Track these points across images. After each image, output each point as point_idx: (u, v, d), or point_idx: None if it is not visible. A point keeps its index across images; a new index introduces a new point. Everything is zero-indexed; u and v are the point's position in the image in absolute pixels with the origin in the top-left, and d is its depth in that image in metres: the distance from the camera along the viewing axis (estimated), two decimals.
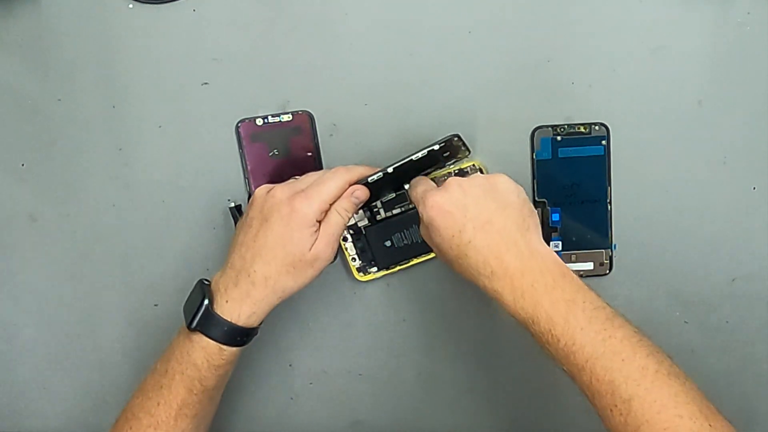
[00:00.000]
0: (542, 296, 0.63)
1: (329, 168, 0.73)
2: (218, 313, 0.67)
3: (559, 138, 0.76)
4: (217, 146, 0.77)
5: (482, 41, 0.75)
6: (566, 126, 0.76)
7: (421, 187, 0.70)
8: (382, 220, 0.78)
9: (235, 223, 0.76)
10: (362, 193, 0.71)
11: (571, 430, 0.81)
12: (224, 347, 0.68)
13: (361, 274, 0.78)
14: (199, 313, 0.67)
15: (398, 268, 0.78)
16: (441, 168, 0.76)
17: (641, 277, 0.78)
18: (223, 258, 0.73)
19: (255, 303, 0.68)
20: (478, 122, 0.76)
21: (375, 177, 0.70)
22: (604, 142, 0.76)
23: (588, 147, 0.76)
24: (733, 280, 0.78)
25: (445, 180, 0.68)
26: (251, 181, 0.77)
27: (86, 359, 0.81)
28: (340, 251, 0.78)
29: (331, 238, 0.69)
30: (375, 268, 0.78)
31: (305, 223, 0.68)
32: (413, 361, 0.81)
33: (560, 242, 0.78)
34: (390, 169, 0.70)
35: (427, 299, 0.80)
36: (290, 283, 0.69)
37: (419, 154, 0.70)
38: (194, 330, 0.67)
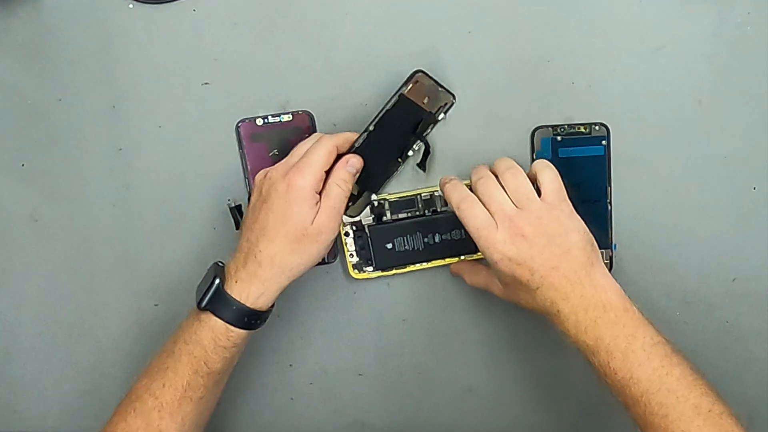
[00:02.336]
0: (604, 331, 0.65)
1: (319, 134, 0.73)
2: (228, 292, 0.68)
3: (559, 138, 0.76)
4: (217, 146, 0.77)
5: (482, 41, 0.75)
6: (566, 126, 0.76)
7: (478, 219, 0.68)
8: (387, 222, 0.78)
9: (235, 223, 0.77)
10: (357, 161, 0.71)
11: (570, 430, 0.81)
12: (232, 328, 0.68)
13: (356, 271, 0.78)
14: (210, 292, 0.68)
15: (394, 272, 0.78)
16: (435, 123, 0.75)
17: (641, 277, 0.78)
18: (222, 258, 0.74)
19: (263, 283, 0.68)
20: (478, 122, 0.76)
21: (360, 140, 0.72)
22: (604, 142, 0.76)
23: (588, 147, 0.76)
24: (733, 280, 0.78)
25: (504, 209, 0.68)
26: (251, 181, 0.77)
27: (86, 359, 0.81)
28: (339, 245, 0.78)
29: (333, 211, 0.69)
30: (371, 268, 0.78)
31: (302, 196, 0.68)
32: (413, 361, 0.81)
33: None
34: (371, 127, 0.72)
35: (427, 299, 0.79)
36: (296, 259, 0.69)
37: (392, 102, 0.72)
38: (204, 309, 0.68)
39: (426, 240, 0.77)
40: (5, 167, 0.78)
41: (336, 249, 0.79)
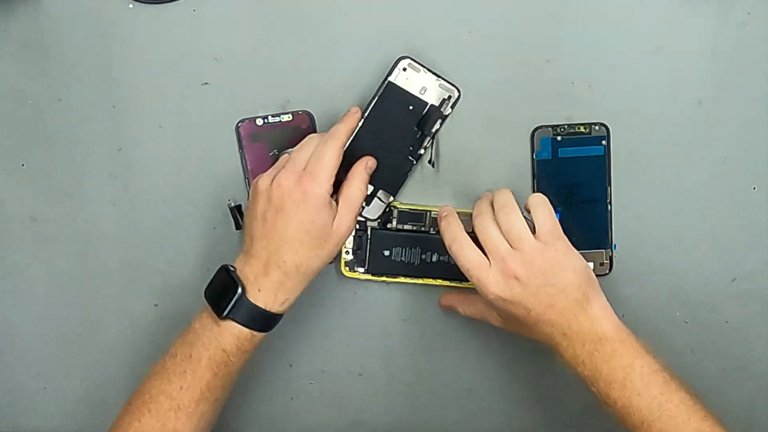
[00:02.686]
0: (601, 364, 0.66)
1: (316, 134, 0.73)
2: (251, 300, 0.68)
3: (559, 138, 0.76)
4: (217, 146, 0.77)
5: (482, 41, 0.75)
6: (566, 126, 0.76)
7: (469, 260, 0.69)
8: (391, 229, 0.78)
9: (235, 223, 0.76)
10: (373, 162, 0.73)
11: (570, 430, 0.81)
12: (256, 333, 0.69)
13: (347, 269, 0.78)
14: (232, 302, 0.68)
15: (384, 279, 0.78)
16: (442, 119, 0.75)
17: (641, 277, 0.78)
18: (222, 258, 0.74)
19: (289, 291, 0.69)
20: (478, 122, 0.76)
21: (354, 136, 0.73)
22: (604, 142, 0.76)
23: (588, 147, 0.76)
24: (733, 280, 0.78)
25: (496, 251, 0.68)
26: (251, 181, 0.77)
27: (86, 359, 0.81)
28: None
29: (352, 212, 0.70)
30: (362, 269, 0.78)
31: (321, 203, 0.68)
32: (413, 361, 0.81)
33: None
34: (364, 116, 0.73)
35: (427, 299, 0.79)
36: (319, 263, 0.70)
37: (380, 90, 0.73)
38: (226, 318, 0.68)
39: (423, 257, 0.77)
40: (5, 167, 0.78)
41: None
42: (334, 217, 0.69)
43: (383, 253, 0.78)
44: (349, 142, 0.72)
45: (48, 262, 0.80)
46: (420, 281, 0.78)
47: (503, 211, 0.69)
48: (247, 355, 0.70)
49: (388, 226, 0.78)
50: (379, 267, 0.78)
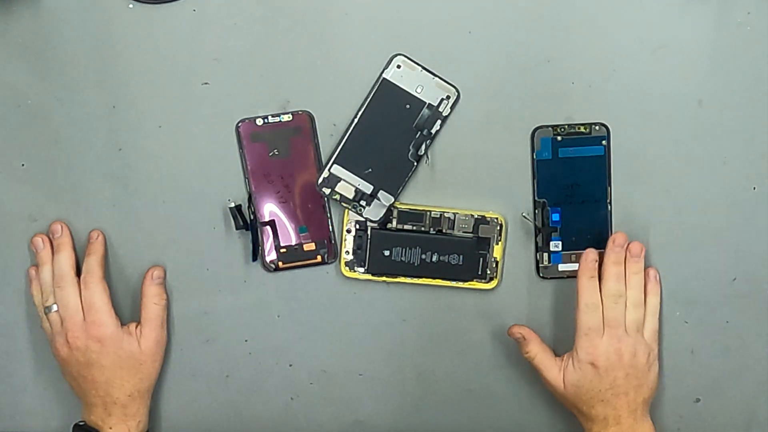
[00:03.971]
0: None
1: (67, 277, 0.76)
2: None
3: (559, 138, 0.76)
4: (217, 146, 0.77)
5: (482, 41, 0.75)
6: (566, 126, 0.76)
7: (592, 322, 0.73)
8: (392, 229, 0.78)
9: (235, 224, 0.76)
10: (159, 271, 0.78)
11: (570, 430, 0.81)
12: None
13: (347, 269, 0.78)
14: None
15: (384, 279, 0.78)
16: (442, 120, 0.75)
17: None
18: (222, 257, 0.76)
19: (134, 414, 0.76)
20: (478, 122, 0.76)
21: (351, 127, 0.74)
22: (604, 142, 0.76)
23: (588, 147, 0.76)
24: (733, 280, 0.78)
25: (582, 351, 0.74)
26: (251, 181, 0.77)
27: None
28: (338, 242, 0.78)
29: (156, 327, 0.77)
30: (362, 269, 0.78)
31: (117, 339, 0.75)
32: (413, 361, 0.81)
33: (560, 242, 0.78)
34: (360, 113, 0.74)
35: (427, 299, 0.79)
36: (148, 382, 0.77)
37: (376, 87, 0.74)
38: None
39: (423, 257, 0.77)
40: (5, 167, 0.78)
41: (336, 249, 0.79)
42: (140, 340, 0.76)
43: (383, 253, 0.78)
44: (345, 141, 0.73)
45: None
46: (420, 281, 0.78)
47: (634, 294, 0.75)
48: None
49: (388, 226, 0.78)
50: (379, 267, 0.78)
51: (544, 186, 0.77)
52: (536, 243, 0.78)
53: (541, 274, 0.78)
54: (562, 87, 0.76)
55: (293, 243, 0.78)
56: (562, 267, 0.78)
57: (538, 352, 0.76)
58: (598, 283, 0.74)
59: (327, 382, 0.81)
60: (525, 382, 0.80)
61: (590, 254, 0.75)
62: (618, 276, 0.74)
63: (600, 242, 0.77)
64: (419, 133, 0.75)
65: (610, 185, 0.77)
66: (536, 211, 0.77)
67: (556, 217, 0.77)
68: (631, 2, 0.75)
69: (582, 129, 0.76)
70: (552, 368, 0.75)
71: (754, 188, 0.77)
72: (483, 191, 0.78)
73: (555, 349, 0.77)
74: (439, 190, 0.78)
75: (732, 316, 0.79)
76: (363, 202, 0.75)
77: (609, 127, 0.76)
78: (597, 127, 0.76)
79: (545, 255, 0.78)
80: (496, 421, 0.81)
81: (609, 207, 0.77)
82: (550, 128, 0.76)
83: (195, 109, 0.77)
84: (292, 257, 0.79)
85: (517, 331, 0.76)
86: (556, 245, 0.78)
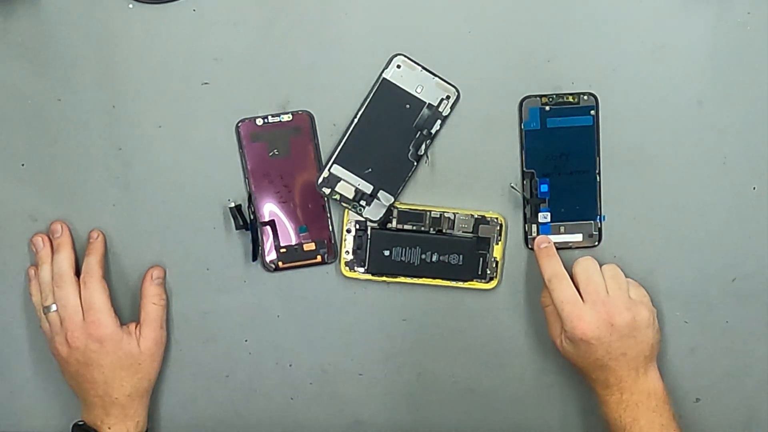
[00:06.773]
0: (642, 415, 0.73)
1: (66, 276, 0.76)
2: None
3: (547, 108, 0.75)
4: (217, 146, 0.77)
5: (482, 41, 0.75)
6: (554, 95, 0.75)
7: (565, 294, 0.73)
8: (391, 229, 0.78)
9: (235, 224, 0.76)
10: (159, 271, 0.78)
11: (570, 430, 0.81)
12: None
13: (347, 269, 0.78)
14: None
15: (384, 279, 0.78)
16: (442, 120, 0.75)
17: (641, 277, 0.77)
18: (222, 257, 0.76)
19: (134, 415, 0.76)
20: (477, 122, 0.76)
21: (352, 126, 0.74)
22: (592, 111, 0.75)
23: (577, 117, 0.75)
24: (733, 280, 0.78)
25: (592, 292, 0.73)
26: (251, 181, 0.77)
27: None
28: (338, 241, 0.78)
29: (156, 328, 0.77)
30: (362, 269, 0.78)
31: (117, 340, 0.74)
32: (413, 361, 0.81)
33: (549, 213, 0.77)
34: (360, 113, 0.74)
35: (427, 299, 0.79)
36: (147, 382, 0.77)
37: (376, 86, 0.74)
38: None
39: (423, 257, 0.77)
40: (5, 167, 0.78)
41: (336, 248, 0.79)
42: (139, 340, 0.76)
43: (383, 253, 0.78)
44: (345, 141, 0.73)
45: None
46: (420, 281, 0.78)
47: (610, 265, 0.74)
48: None
49: (388, 226, 0.78)
50: (378, 267, 0.78)
51: (532, 156, 0.76)
52: (524, 214, 0.77)
53: (529, 246, 0.78)
54: (562, 87, 0.76)
55: (293, 243, 0.78)
56: (551, 238, 0.77)
57: (549, 307, 0.75)
58: (559, 258, 0.74)
59: (327, 382, 0.81)
60: (525, 382, 0.80)
61: (542, 239, 0.76)
62: (580, 259, 0.74)
63: (588, 213, 0.76)
64: (419, 133, 0.75)
65: (599, 155, 0.76)
66: (524, 181, 0.77)
67: (544, 187, 0.77)
68: (631, 2, 0.75)
69: (570, 99, 0.75)
70: (554, 333, 0.75)
71: (754, 188, 0.77)
72: (483, 191, 0.77)
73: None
74: (439, 190, 0.78)
75: (732, 316, 0.79)
76: (363, 202, 0.75)
77: (597, 96, 0.76)
78: (585, 97, 0.75)
79: (533, 226, 0.77)
80: (496, 421, 0.81)
81: (597, 178, 0.76)
82: (538, 98, 0.75)
83: (195, 109, 0.77)
84: (292, 257, 0.79)
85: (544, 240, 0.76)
86: (544, 216, 0.77)
